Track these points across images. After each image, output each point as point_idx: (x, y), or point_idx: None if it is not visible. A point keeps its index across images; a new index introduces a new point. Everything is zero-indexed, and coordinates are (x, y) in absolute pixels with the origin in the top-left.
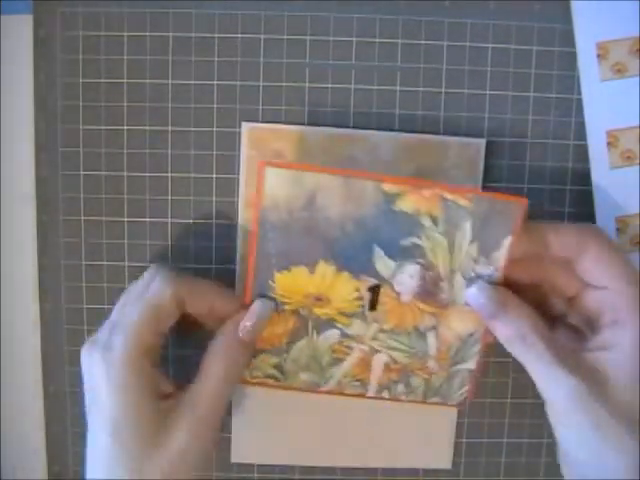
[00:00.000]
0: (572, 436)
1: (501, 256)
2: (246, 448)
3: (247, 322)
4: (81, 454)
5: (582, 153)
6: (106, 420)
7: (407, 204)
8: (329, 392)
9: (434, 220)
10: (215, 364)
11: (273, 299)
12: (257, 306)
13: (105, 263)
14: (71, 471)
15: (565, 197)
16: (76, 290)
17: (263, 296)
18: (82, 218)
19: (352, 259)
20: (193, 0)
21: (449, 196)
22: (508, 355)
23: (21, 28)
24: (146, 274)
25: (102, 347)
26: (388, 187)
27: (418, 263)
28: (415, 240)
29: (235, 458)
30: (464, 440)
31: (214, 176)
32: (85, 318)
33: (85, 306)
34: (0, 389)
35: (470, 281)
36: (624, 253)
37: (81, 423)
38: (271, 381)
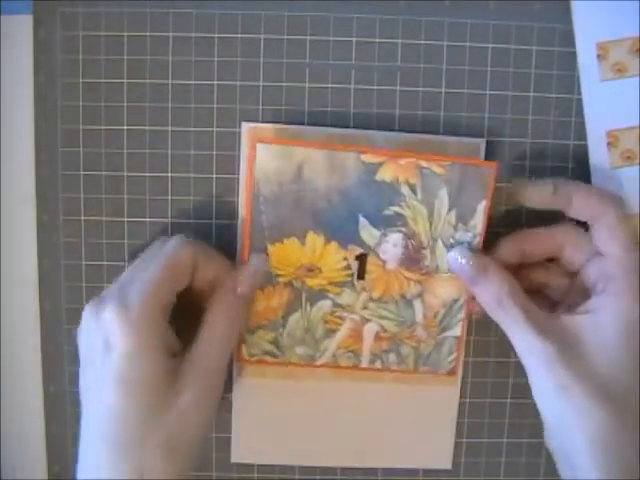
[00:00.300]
0: (543, 400)
1: (478, 221)
2: (246, 448)
3: (244, 276)
4: None
5: (582, 153)
6: (118, 374)
7: (386, 173)
8: (325, 365)
9: (412, 188)
10: (216, 321)
11: (266, 253)
12: (252, 260)
13: (105, 263)
14: (71, 471)
15: None
16: (76, 290)
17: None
18: (82, 218)
19: (339, 229)
20: (193, 0)
21: (424, 164)
22: (508, 355)
23: (21, 28)
24: (158, 240)
25: (117, 303)
26: (368, 158)
27: (401, 232)
28: (397, 209)
29: (235, 458)
30: (464, 440)
31: (214, 176)
32: None
33: (85, 306)
34: (0, 389)
35: (451, 248)
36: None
37: (81, 423)
38: (269, 358)
